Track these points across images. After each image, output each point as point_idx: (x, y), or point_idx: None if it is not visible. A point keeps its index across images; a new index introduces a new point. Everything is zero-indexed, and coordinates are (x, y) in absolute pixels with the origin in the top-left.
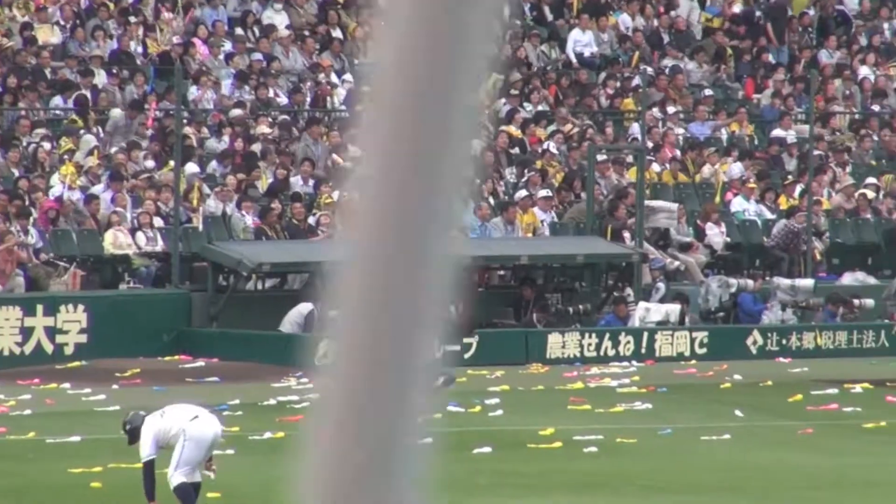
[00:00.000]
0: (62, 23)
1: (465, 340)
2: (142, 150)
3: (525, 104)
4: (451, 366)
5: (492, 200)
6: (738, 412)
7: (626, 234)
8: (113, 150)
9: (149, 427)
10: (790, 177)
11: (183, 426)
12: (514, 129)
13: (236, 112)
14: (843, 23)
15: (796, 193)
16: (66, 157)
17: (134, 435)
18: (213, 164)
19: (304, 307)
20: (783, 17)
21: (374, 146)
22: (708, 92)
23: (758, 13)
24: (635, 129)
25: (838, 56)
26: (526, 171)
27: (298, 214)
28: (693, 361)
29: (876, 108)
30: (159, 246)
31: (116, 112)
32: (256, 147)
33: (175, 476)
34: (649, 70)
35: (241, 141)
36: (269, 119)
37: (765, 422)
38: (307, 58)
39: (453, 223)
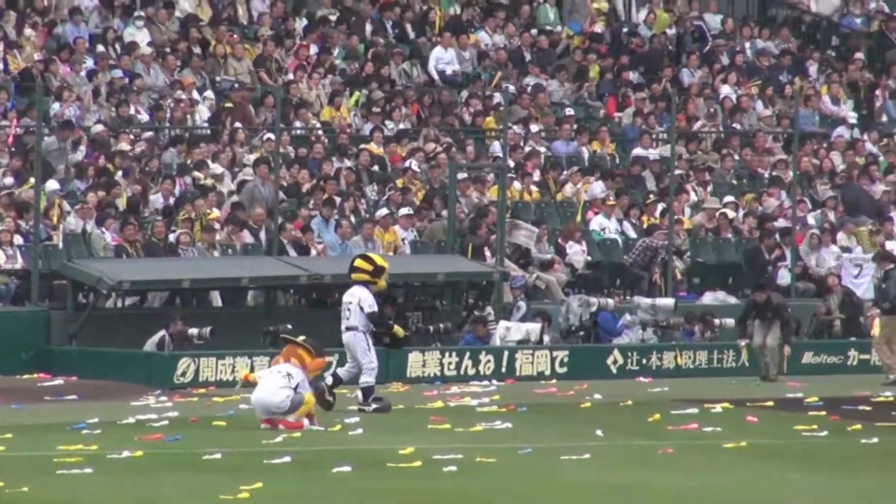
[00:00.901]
0: None
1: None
2: (0, 168)
3: (387, 122)
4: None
5: (353, 219)
6: (598, 432)
7: (487, 253)
8: None
9: None
10: (651, 196)
11: None
12: (375, 147)
13: (98, 128)
14: (700, 39)
15: (657, 212)
16: None
17: None
18: (75, 181)
19: (157, 336)
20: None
21: None
22: (570, 111)
23: (624, 29)
24: (496, 147)
25: (700, 75)
26: (387, 189)
27: (159, 232)
28: (553, 381)
29: (737, 126)
30: (19, 263)
31: None
32: (117, 163)
33: None
34: (511, 88)
35: (103, 158)
36: (131, 136)
37: (625, 441)
38: (168, 75)
39: None
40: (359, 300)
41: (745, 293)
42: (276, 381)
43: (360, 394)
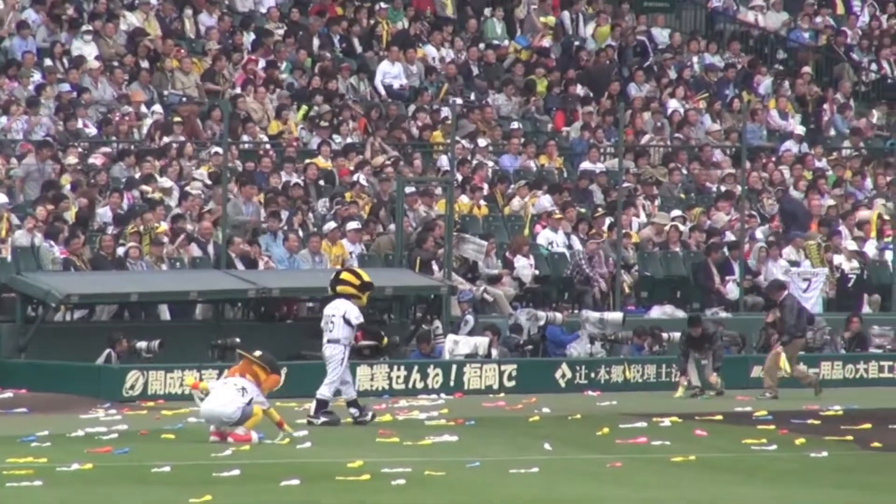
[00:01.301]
0: None
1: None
2: None
3: (335, 136)
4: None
5: (301, 232)
6: (546, 445)
7: (435, 267)
8: None
9: None
10: (599, 209)
11: None
12: (322, 161)
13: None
14: (642, 53)
15: (605, 226)
16: None
17: None
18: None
19: (103, 356)
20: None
21: None
22: (516, 125)
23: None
24: (444, 161)
25: (647, 89)
26: (335, 202)
27: (107, 246)
28: (502, 394)
29: (685, 140)
30: None
31: None
32: (66, 178)
33: None
34: (459, 101)
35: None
36: (79, 150)
37: (573, 455)
38: (116, 88)
39: None
40: (343, 312)
41: (693, 307)
42: (230, 393)
43: (313, 405)
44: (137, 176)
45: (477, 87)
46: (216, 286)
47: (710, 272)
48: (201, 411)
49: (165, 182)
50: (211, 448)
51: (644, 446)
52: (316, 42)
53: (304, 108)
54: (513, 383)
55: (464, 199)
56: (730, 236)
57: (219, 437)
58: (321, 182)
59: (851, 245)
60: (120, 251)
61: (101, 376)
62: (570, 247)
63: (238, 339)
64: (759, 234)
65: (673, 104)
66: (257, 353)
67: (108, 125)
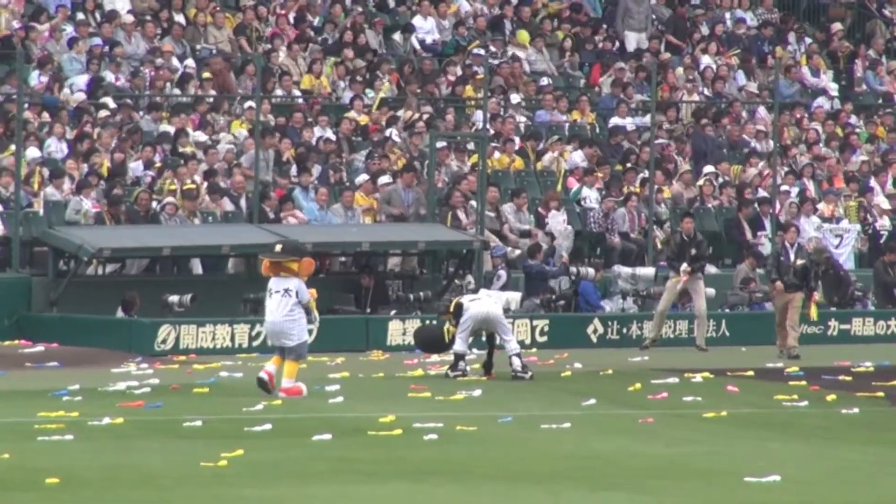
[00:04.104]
0: None
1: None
2: None
3: (368, 91)
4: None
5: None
6: (592, 400)
7: (463, 218)
8: None
9: None
10: (629, 165)
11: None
12: (355, 115)
13: (80, 97)
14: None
15: (637, 182)
16: None
17: None
18: (54, 147)
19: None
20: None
21: None
22: (547, 80)
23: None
24: (477, 116)
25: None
26: (367, 157)
27: (143, 200)
28: (534, 349)
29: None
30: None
31: None
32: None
33: None
34: (492, 56)
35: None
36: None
37: (605, 410)
38: (148, 43)
39: None
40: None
41: (726, 263)
42: (275, 302)
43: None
44: (172, 131)
45: (508, 41)
46: (248, 240)
47: (741, 228)
48: (266, 326)
49: (199, 136)
50: (243, 402)
51: (675, 402)
52: None
53: (332, 59)
54: (545, 338)
55: (496, 155)
56: (762, 192)
57: (269, 379)
58: (353, 137)
59: (884, 202)
60: (156, 206)
61: (133, 330)
62: (601, 202)
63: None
64: (794, 190)
65: (705, 60)
66: (277, 248)
67: (138, 77)
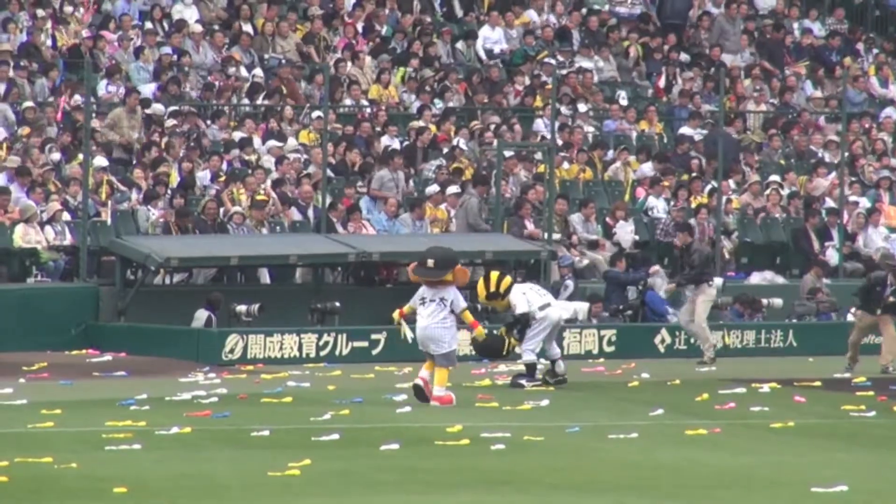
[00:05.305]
0: None
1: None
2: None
3: (436, 101)
4: None
5: (400, 197)
6: (652, 411)
7: (531, 227)
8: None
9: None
10: (695, 174)
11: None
12: (422, 125)
13: (158, 107)
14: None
15: (705, 192)
16: None
17: None
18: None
19: (200, 314)
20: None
21: None
22: (619, 91)
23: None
24: (539, 125)
25: (747, 55)
26: (437, 167)
27: (210, 210)
28: (601, 359)
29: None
30: (67, 240)
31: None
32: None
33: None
34: (561, 66)
35: (157, 135)
36: (181, 114)
37: (672, 420)
38: (217, 52)
39: None
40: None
41: (793, 273)
42: (429, 311)
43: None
44: (237, 139)
45: (577, 51)
46: (316, 250)
47: (809, 238)
48: (417, 332)
49: (270, 145)
50: (310, 412)
51: (743, 412)
52: (417, 6)
53: (403, 70)
54: (612, 348)
55: (565, 166)
56: (830, 203)
57: (423, 385)
58: (420, 146)
59: None
60: (224, 214)
61: (201, 340)
62: (668, 212)
63: (338, 304)
64: (865, 201)
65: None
66: (429, 262)
67: (210, 90)
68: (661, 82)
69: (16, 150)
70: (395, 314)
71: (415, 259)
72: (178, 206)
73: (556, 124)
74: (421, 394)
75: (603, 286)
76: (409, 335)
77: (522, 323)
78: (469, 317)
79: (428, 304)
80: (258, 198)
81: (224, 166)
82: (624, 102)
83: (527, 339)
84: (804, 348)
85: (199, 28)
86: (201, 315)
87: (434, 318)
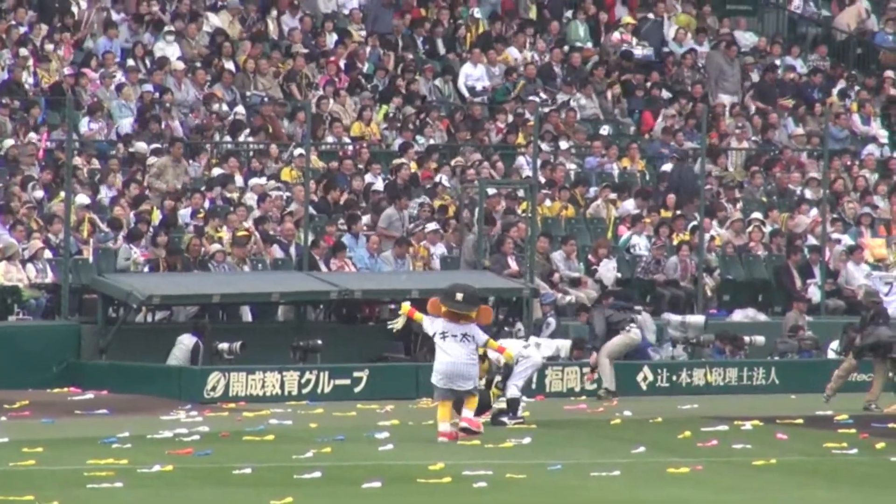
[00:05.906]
0: None
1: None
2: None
3: (418, 137)
4: None
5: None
6: (641, 448)
7: (513, 265)
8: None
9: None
10: (678, 213)
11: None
12: (404, 161)
13: (140, 146)
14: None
15: (687, 229)
16: None
17: None
18: (103, 194)
19: (187, 339)
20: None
21: None
22: (604, 129)
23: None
24: (521, 162)
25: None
26: (419, 204)
27: (195, 246)
28: (583, 397)
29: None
30: (49, 277)
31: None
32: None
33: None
34: (537, 99)
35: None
36: (163, 152)
37: (655, 458)
38: (199, 89)
39: None
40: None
41: (775, 310)
42: (461, 347)
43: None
44: (216, 176)
45: (559, 88)
46: (298, 288)
47: (791, 275)
48: (440, 369)
49: (253, 182)
50: (292, 450)
51: (725, 449)
52: (399, 43)
53: (385, 107)
54: (594, 386)
55: (547, 203)
56: (812, 240)
57: (450, 433)
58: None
59: None
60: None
61: (182, 378)
62: (650, 250)
63: (320, 342)
64: (846, 238)
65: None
66: (458, 296)
67: (195, 132)
68: (646, 119)
69: None
70: (406, 306)
71: (398, 297)
72: (161, 242)
73: (539, 161)
74: (469, 431)
75: (586, 328)
76: (398, 328)
77: (505, 374)
78: (495, 344)
79: (449, 338)
80: (239, 234)
81: (206, 204)
82: (604, 133)
83: (513, 375)
84: (786, 386)
85: (181, 65)
86: (188, 341)
87: (463, 355)
